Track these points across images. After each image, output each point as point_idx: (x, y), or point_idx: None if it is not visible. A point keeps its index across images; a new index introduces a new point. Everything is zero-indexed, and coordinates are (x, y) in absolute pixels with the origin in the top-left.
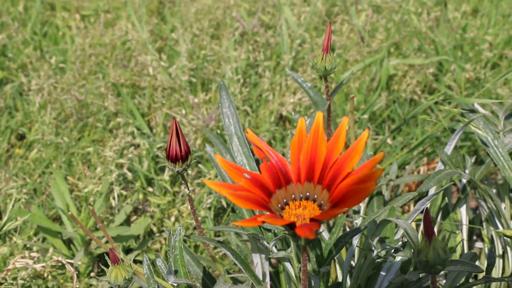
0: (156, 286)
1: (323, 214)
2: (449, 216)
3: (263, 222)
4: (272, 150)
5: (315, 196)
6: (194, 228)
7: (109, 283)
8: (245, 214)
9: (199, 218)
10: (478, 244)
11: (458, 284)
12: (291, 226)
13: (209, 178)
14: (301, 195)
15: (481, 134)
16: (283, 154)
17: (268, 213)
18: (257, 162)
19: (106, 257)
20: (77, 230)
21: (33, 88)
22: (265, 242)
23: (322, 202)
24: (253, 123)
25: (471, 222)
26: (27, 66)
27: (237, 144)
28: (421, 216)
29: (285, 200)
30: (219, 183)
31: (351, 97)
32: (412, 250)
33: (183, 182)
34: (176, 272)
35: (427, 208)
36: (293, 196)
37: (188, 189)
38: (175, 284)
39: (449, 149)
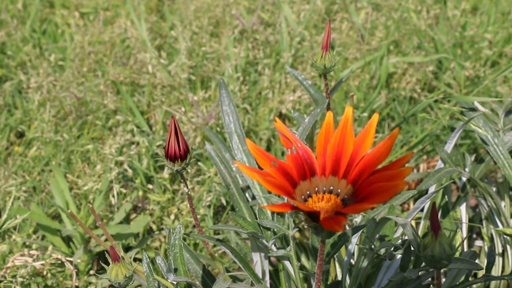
0: (156, 284)
1: (350, 208)
2: (449, 215)
3: (292, 208)
4: (299, 140)
5: (339, 190)
6: (194, 226)
7: (109, 280)
8: (244, 212)
9: (199, 216)
10: (478, 243)
11: (457, 283)
12: (313, 218)
13: (209, 177)
14: (325, 189)
15: (481, 132)
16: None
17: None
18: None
19: (107, 255)
20: (76, 228)
21: (32, 86)
22: (264, 241)
23: (346, 197)
24: (252, 121)
25: (471, 220)
26: (26, 64)
27: (237, 142)
28: (421, 214)
29: (308, 192)
30: (250, 167)
31: (351, 95)
32: (413, 248)
33: (182, 180)
34: (175, 270)
35: (434, 203)
36: (316, 188)
37: (187, 188)
38: (175, 282)
39: (449, 147)
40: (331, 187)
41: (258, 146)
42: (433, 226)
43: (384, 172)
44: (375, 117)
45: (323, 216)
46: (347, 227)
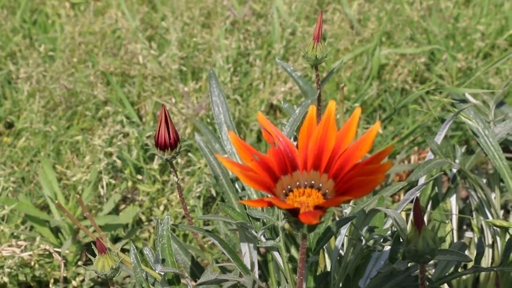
0: (143, 275)
1: (328, 201)
2: (439, 206)
3: (269, 204)
4: (281, 134)
5: (320, 184)
6: (183, 217)
7: (96, 272)
8: (234, 203)
9: (189, 207)
10: (468, 234)
11: (447, 274)
12: (293, 213)
13: (199, 168)
14: (306, 183)
15: (472, 124)
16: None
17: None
18: None
19: (93, 246)
20: (65, 219)
21: (21, 76)
22: (253, 231)
23: (327, 191)
24: (243, 112)
25: (461, 211)
26: (16, 54)
27: (227, 133)
28: (411, 206)
29: (289, 187)
30: (231, 160)
31: (341, 86)
32: (401, 240)
33: (172, 170)
34: (163, 261)
35: (417, 197)
36: (297, 183)
37: (177, 177)
38: (162, 273)
39: (439, 138)
40: (313, 182)
41: (241, 140)
42: (416, 220)
43: (364, 166)
44: (357, 111)
45: (303, 211)
46: (337, 218)
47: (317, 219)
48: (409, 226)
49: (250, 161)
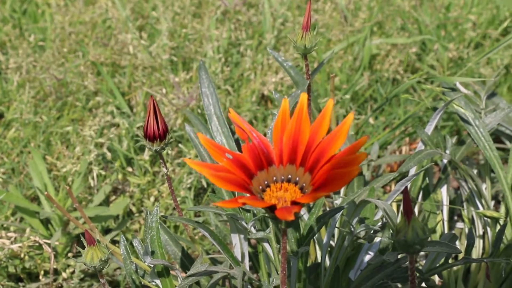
0: (133, 267)
1: (304, 197)
2: (429, 197)
3: (244, 204)
4: (254, 130)
5: (297, 178)
6: (174, 209)
7: (84, 264)
8: (224, 195)
9: (179, 198)
10: (459, 225)
11: (437, 265)
12: (271, 209)
13: (190, 158)
14: (283, 177)
15: (463, 112)
16: (264, 134)
17: (248, 195)
18: (237, 142)
19: (82, 238)
20: (55, 210)
21: (11, 67)
22: (243, 223)
23: (304, 185)
24: (234, 103)
25: (452, 202)
26: (6, 44)
27: (216, 124)
28: (402, 197)
29: (266, 182)
30: (200, 162)
31: (332, 77)
32: (391, 231)
33: (161, 161)
34: (153, 252)
35: (406, 187)
36: (274, 178)
37: (167, 169)
38: (152, 265)
39: (429, 129)
40: (289, 176)
41: (211, 140)
42: (406, 210)
43: (339, 158)
44: (330, 103)
45: (280, 206)
46: (327, 208)
47: (292, 215)
48: (399, 217)
49: (223, 160)
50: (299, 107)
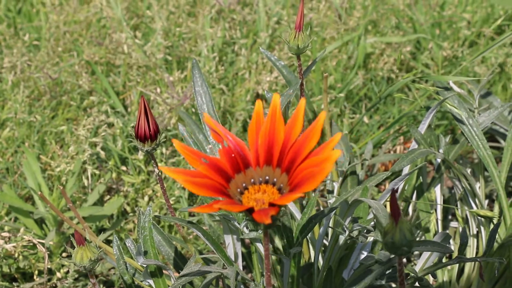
0: (125, 267)
1: (280, 198)
2: (423, 196)
3: (219, 208)
4: (229, 133)
5: (275, 179)
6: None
7: (74, 264)
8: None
9: (174, 198)
10: (454, 224)
11: (431, 264)
12: (250, 211)
13: (184, 158)
14: (261, 179)
15: (456, 111)
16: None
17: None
18: None
19: (72, 239)
20: (49, 210)
21: (6, 66)
22: (236, 223)
23: (282, 185)
24: (229, 102)
25: (446, 201)
26: (1, 44)
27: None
28: None
29: (244, 185)
30: (175, 169)
31: (325, 76)
32: (379, 232)
33: (152, 161)
34: (146, 253)
35: (393, 189)
36: (252, 180)
37: (158, 169)
38: (144, 265)
39: (422, 128)
40: (267, 177)
41: (187, 146)
42: (393, 212)
43: (314, 157)
44: (302, 102)
45: (259, 208)
46: (321, 208)
47: (269, 218)
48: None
49: (199, 165)
50: (272, 108)
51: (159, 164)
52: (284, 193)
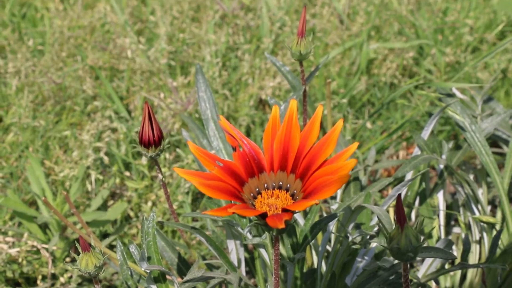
0: (129, 272)
1: (294, 204)
2: (426, 202)
3: (233, 212)
4: (245, 137)
5: (288, 185)
6: None
7: (79, 270)
8: (222, 201)
9: (177, 203)
10: (456, 230)
11: (434, 270)
12: (263, 216)
13: (187, 163)
14: (274, 184)
15: (459, 118)
16: (262, 139)
17: (239, 203)
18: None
19: (77, 244)
20: (52, 215)
21: (10, 71)
22: (239, 229)
23: (295, 191)
24: (232, 107)
25: (449, 207)
26: (5, 48)
27: (214, 129)
28: None
29: (257, 189)
30: (190, 171)
31: (328, 82)
32: (385, 238)
33: (156, 167)
34: (149, 258)
35: (399, 194)
36: (265, 185)
37: (162, 175)
38: (148, 271)
39: (425, 134)
40: (280, 183)
41: (201, 148)
42: (399, 218)
43: (330, 165)
44: (320, 109)
45: (272, 213)
46: (325, 214)
47: (283, 223)
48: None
49: (214, 168)
50: (289, 114)
51: (162, 170)
52: (297, 199)
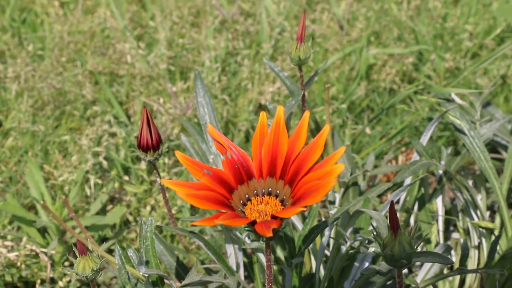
0: (127, 277)
1: (282, 211)
2: (425, 207)
3: (220, 222)
4: (233, 144)
5: (278, 191)
6: None
7: (76, 274)
8: None
9: (176, 207)
10: (455, 235)
11: (432, 276)
12: (253, 223)
13: (186, 168)
14: (264, 191)
15: (458, 124)
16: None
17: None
18: None
19: (74, 248)
20: (51, 219)
21: (10, 76)
22: (237, 233)
23: (285, 197)
24: (231, 112)
25: (448, 212)
26: (5, 53)
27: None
28: (397, 207)
29: (247, 196)
30: (177, 182)
31: (326, 87)
32: (379, 244)
33: (155, 172)
34: (147, 262)
35: (392, 201)
36: (255, 191)
37: (160, 179)
38: (146, 275)
39: (424, 139)
40: (270, 189)
41: (189, 157)
42: (392, 225)
43: (318, 170)
44: (307, 115)
45: (261, 219)
46: (323, 219)
47: (270, 231)
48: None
49: (202, 176)
50: (276, 120)
51: (161, 174)
52: (286, 205)
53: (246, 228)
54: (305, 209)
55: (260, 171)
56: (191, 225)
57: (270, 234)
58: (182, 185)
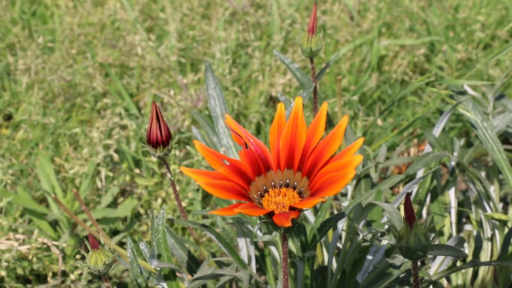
0: (139, 270)
1: (301, 202)
2: (437, 199)
3: (239, 212)
4: (251, 135)
5: (295, 183)
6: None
7: (88, 268)
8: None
9: (187, 200)
10: (468, 227)
11: (445, 268)
12: (270, 215)
13: (197, 160)
14: (281, 182)
15: (470, 116)
16: None
17: (246, 202)
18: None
19: (86, 242)
20: (62, 212)
21: (20, 68)
22: (249, 226)
23: (302, 189)
24: (242, 104)
25: (460, 204)
26: (15, 46)
27: (223, 126)
28: None
29: (264, 188)
30: (197, 170)
31: (338, 79)
32: (394, 236)
33: (165, 166)
34: (159, 256)
35: (408, 193)
36: (272, 183)
37: (171, 173)
38: (158, 268)
39: (437, 131)
40: (287, 181)
41: (207, 147)
42: (408, 216)
43: (336, 162)
44: (325, 106)
45: (279, 211)
46: (336, 211)
47: (289, 221)
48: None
49: (220, 166)
50: (294, 111)
51: (172, 167)
52: (304, 197)
53: (264, 220)
54: (325, 199)
55: (278, 162)
56: (209, 214)
57: (289, 224)
58: (201, 173)
